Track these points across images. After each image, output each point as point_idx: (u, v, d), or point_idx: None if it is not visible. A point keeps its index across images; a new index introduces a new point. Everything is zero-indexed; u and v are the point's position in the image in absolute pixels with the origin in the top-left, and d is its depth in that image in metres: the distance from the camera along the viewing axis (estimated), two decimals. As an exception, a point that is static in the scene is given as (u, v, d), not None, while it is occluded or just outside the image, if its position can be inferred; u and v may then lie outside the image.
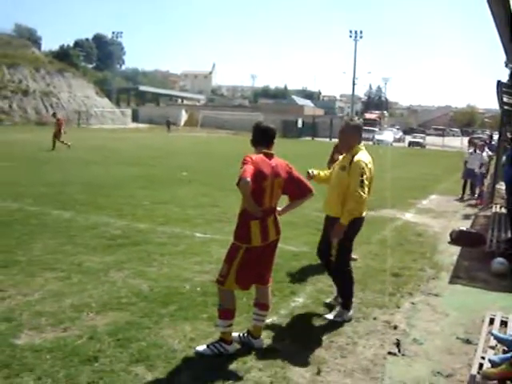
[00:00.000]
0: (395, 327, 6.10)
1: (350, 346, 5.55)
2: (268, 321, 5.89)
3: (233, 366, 4.89)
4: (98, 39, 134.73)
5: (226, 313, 5.19)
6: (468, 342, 5.82)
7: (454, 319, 6.52)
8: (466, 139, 54.13)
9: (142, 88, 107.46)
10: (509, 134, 20.14)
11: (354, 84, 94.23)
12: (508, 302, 7.26)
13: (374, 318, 6.34)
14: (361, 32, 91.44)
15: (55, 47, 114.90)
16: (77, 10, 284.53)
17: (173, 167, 21.48)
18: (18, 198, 12.57)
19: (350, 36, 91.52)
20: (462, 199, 17.93)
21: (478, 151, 18.60)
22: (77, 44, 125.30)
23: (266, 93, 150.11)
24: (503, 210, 14.39)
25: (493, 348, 5.37)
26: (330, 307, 6.51)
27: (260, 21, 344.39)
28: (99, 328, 5.50)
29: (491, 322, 6.20)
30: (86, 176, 17.45)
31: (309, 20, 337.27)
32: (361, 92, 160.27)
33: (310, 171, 6.38)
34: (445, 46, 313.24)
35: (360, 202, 5.82)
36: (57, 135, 27.17)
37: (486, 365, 4.87)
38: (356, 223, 6.05)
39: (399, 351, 5.48)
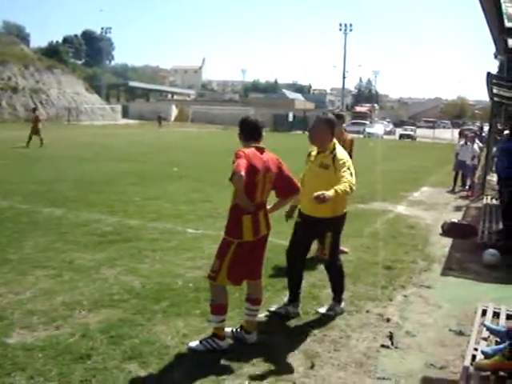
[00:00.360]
0: (388, 320, 6.11)
1: (343, 339, 5.55)
2: (261, 315, 5.89)
3: (226, 362, 4.88)
4: (87, 35, 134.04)
5: (219, 308, 5.18)
6: (461, 333, 5.84)
7: (447, 311, 6.54)
8: (456, 131, 54.37)
9: (132, 84, 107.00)
10: (499, 126, 20.23)
11: (344, 77, 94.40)
12: (500, 293, 7.29)
13: (367, 311, 6.34)
14: (350, 25, 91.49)
15: (44, 44, 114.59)
16: (65, 6, 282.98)
17: (164, 163, 21.43)
18: (8, 196, 12.50)
19: (340, 29, 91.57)
20: (453, 191, 17.97)
21: (468, 143, 18.65)
22: (66, 40, 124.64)
23: (256, 87, 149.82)
24: (494, 202, 14.45)
25: (485, 339, 5.38)
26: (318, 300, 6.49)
27: (250, 15, 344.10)
28: (91, 326, 5.47)
29: (483, 313, 6.21)
30: (76, 173, 17.37)
31: (298, 13, 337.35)
32: (351, 85, 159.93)
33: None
34: (434, 38, 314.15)
35: (351, 188, 5.47)
36: (36, 130, 26.87)
37: (479, 356, 4.88)
38: (343, 219, 6.11)
39: (392, 344, 5.49)
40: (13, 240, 8.64)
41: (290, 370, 4.84)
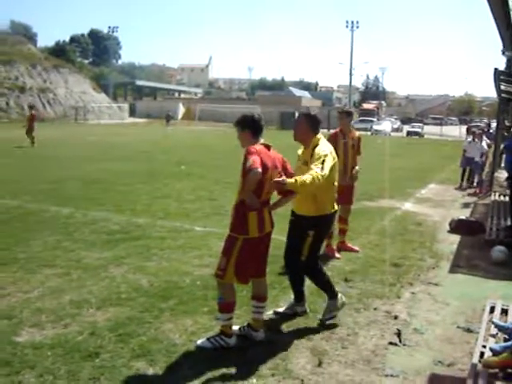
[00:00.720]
0: (396, 317, 6.10)
1: (351, 336, 5.55)
2: (268, 313, 5.90)
3: (234, 360, 4.89)
4: (94, 34, 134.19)
5: (227, 306, 5.20)
6: (469, 330, 5.83)
7: (455, 308, 6.53)
8: (464, 128, 54.25)
9: (139, 82, 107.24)
10: (507, 122, 20.15)
11: (351, 74, 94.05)
12: (508, 290, 7.26)
13: (375, 309, 6.33)
14: (357, 22, 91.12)
15: (51, 43, 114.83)
16: (72, 6, 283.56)
17: (171, 161, 21.44)
18: (16, 195, 12.55)
19: (347, 26, 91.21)
20: (460, 188, 17.92)
21: (476, 140, 18.60)
22: (72, 40, 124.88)
23: (263, 85, 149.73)
24: (502, 198, 14.40)
25: (494, 336, 5.37)
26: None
27: (256, 13, 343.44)
28: (100, 324, 5.50)
29: (492, 310, 6.20)
30: (84, 172, 17.42)
31: (305, 11, 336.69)
32: (358, 82, 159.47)
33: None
34: (442, 35, 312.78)
35: (315, 180, 5.10)
36: (29, 129, 26.68)
37: (487, 353, 4.88)
38: (327, 220, 5.87)
39: (400, 341, 5.48)
40: (21, 239, 8.67)
41: (297, 367, 4.84)
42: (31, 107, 31.10)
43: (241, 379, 4.56)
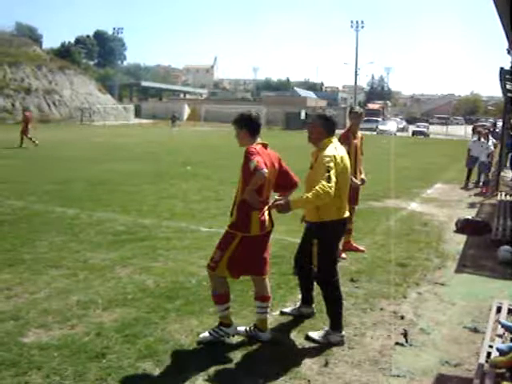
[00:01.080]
0: (402, 317, 6.09)
1: (358, 337, 5.55)
2: (275, 313, 5.91)
3: (240, 360, 4.90)
4: (99, 36, 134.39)
5: (221, 297, 5.28)
6: (475, 330, 5.82)
7: (461, 308, 6.51)
8: (469, 127, 54.13)
9: (145, 83, 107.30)
10: (513, 122, 20.08)
11: (356, 74, 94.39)
12: (515, 290, 7.24)
13: (381, 309, 6.33)
14: (362, 22, 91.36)
15: (56, 45, 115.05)
16: (77, 7, 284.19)
17: (177, 162, 21.46)
18: (22, 197, 12.58)
19: (352, 26, 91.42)
20: (466, 187, 17.89)
21: (482, 139, 18.57)
22: (78, 41, 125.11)
23: (268, 85, 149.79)
24: (508, 198, 14.37)
25: (500, 336, 5.36)
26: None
27: (260, 13, 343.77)
28: (106, 324, 5.51)
29: (498, 310, 6.18)
30: (89, 173, 17.45)
31: (310, 11, 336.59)
32: (363, 82, 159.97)
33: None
34: (447, 34, 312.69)
35: (321, 194, 4.95)
36: (24, 131, 26.51)
37: (494, 353, 4.86)
38: (331, 228, 5.43)
39: (407, 341, 5.48)
40: (27, 240, 8.69)
41: (304, 367, 4.84)
42: (24, 110, 31.05)
43: (247, 380, 4.57)
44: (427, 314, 6.26)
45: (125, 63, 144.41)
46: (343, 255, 8.44)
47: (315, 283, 5.86)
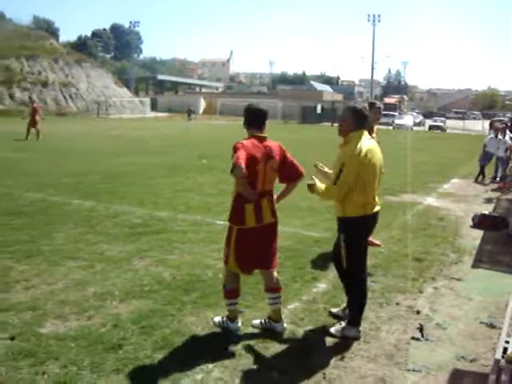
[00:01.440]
0: (418, 312, 6.08)
1: (373, 331, 5.54)
2: (290, 306, 5.93)
3: (256, 353, 4.91)
4: (116, 29, 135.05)
5: (230, 292, 5.38)
6: (492, 326, 5.79)
7: (478, 303, 6.48)
8: (486, 122, 53.72)
9: (161, 77, 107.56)
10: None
11: (372, 68, 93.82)
12: (532, 286, 7.20)
13: (397, 303, 6.31)
14: (379, 16, 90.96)
15: (73, 38, 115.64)
16: (94, 1, 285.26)
17: (192, 155, 21.49)
18: (39, 189, 12.67)
19: (369, 20, 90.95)
20: (476, 181, 17.82)
21: (499, 136, 18.45)
22: (94, 34, 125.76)
23: (284, 79, 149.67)
24: (526, 193, 14.25)
25: (517, 332, 5.33)
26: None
27: (277, 6, 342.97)
28: (123, 316, 5.55)
29: (515, 305, 6.14)
30: (106, 166, 17.55)
31: (326, 4, 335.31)
32: (380, 76, 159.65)
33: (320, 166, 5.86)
34: (464, 28, 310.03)
35: (326, 195, 5.27)
36: (32, 123, 26.57)
37: (511, 349, 4.83)
38: (356, 224, 5.34)
39: (422, 336, 5.46)
40: (45, 232, 8.76)
41: (319, 361, 4.85)
42: (32, 101, 31.15)
43: (263, 373, 4.58)
44: (443, 309, 6.24)
45: (141, 56, 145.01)
46: (378, 242, 8.44)
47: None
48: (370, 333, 5.49)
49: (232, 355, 4.83)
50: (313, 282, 6.82)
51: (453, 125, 64.45)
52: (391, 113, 66.39)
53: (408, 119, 64.75)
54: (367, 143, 5.30)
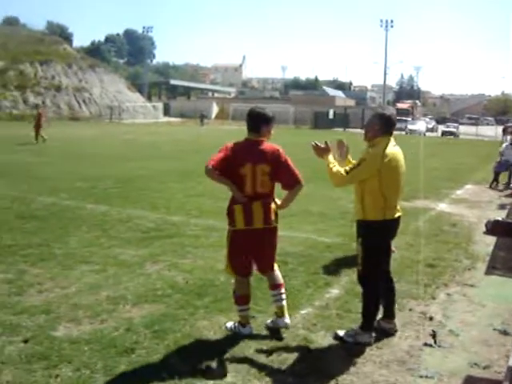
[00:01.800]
0: (431, 318, 6.05)
1: (386, 337, 5.52)
2: (303, 312, 5.93)
3: (268, 358, 4.90)
4: (129, 34, 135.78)
5: (239, 298, 5.43)
6: (505, 333, 5.75)
7: (491, 310, 6.45)
8: (500, 128, 53.41)
9: (173, 82, 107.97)
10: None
11: (385, 74, 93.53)
12: (546, 293, 7.15)
13: (410, 309, 6.29)
14: (391, 21, 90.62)
15: (86, 43, 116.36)
16: (107, 6, 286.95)
17: (205, 160, 21.40)
18: (53, 193, 12.76)
19: (381, 25, 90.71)
20: (491, 187, 17.71)
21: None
22: (108, 39, 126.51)
23: (296, 84, 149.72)
24: (540, 199, 14.16)
25: (531, 339, 5.30)
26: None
27: (289, 12, 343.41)
28: (135, 320, 5.56)
29: (529, 312, 6.11)
30: (119, 170, 17.63)
31: (339, 9, 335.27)
32: (392, 81, 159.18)
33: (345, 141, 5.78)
34: (478, 33, 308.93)
35: (334, 176, 5.28)
36: (38, 127, 27.02)
37: (524, 356, 4.81)
38: (380, 227, 5.32)
39: (435, 342, 5.44)
40: (58, 235, 8.82)
41: (332, 366, 4.84)
42: (37, 106, 31.49)
43: (277, 377, 4.58)
44: (456, 316, 6.21)
45: (154, 62, 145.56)
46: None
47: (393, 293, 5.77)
48: (382, 338, 5.47)
49: (244, 360, 4.83)
50: (325, 287, 6.81)
51: (466, 130, 64.16)
52: (404, 118, 66.19)
53: (421, 125, 64.54)
54: (393, 149, 5.35)
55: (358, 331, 5.40)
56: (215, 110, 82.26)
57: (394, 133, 5.60)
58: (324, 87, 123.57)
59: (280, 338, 5.30)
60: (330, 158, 5.42)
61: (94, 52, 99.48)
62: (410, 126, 61.25)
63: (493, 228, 10.53)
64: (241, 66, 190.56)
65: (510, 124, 46.95)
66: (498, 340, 5.59)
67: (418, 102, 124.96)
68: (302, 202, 12.42)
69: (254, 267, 5.45)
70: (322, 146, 5.51)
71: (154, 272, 7.19)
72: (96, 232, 9.16)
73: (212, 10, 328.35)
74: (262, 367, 4.72)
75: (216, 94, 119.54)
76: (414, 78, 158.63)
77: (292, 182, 5.35)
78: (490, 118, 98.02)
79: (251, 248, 5.30)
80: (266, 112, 5.37)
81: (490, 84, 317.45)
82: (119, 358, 4.75)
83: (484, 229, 10.71)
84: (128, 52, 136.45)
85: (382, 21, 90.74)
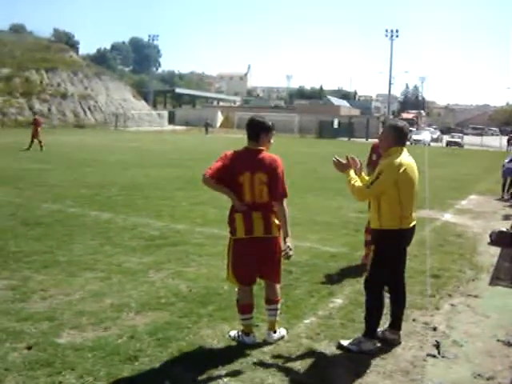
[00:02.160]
0: (435, 329, 6.04)
1: (389, 347, 5.50)
2: (306, 321, 5.92)
3: (272, 367, 4.89)
4: (135, 42, 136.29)
5: (242, 307, 5.44)
6: (509, 344, 5.73)
7: (495, 321, 6.43)
8: (505, 138, 53.37)
9: (178, 90, 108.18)
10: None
11: (390, 83, 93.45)
12: (550, 304, 7.13)
13: (414, 320, 6.28)
14: (397, 31, 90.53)
15: (92, 51, 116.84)
16: (113, 14, 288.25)
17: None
18: (57, 200, 12.79)
19: (386, 35, 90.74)
20: (502, 199, 17.63)
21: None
22: (113, 47, 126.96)
23: (301, 93, 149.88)
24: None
25: (535, 350, 5.28)
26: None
27: (294, 21, 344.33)
28: (139, 328, 5.57)
29: (533, 324, 6.09)
30: (124, 178, 17.67)
31: (344, 19, 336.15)
32: (397, 91, 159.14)
33: (350, 157, 5.68)
34: (482, 44, 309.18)
35: (355, 191, 5.36)
36: (35, 135, 27.24)
37: (529, 367, 4.80)
38: (394, 236, 5.38)
39: (439, 353, 5.42)
40: (63, 242, 8.84)
41: (335, 376, 4.83)
42: (35, 113, 31.69)
43: (278, 386, 4.58)
44: (460, 326, 6.19)
45: (159, 70, 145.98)
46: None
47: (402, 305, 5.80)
48: (386, 349, 5.46)
49: (248, 368, 4.82)
50: (329, 297, 6.80)
51: (470, 141, 64.17)
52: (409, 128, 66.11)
53: (425, 135, 64.56)
54: (407, 159, 5.45)
55: (361, 339, 5.41)
56: (220, 118, 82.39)
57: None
58: (329, 96, 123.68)
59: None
60: (352, 173, 5.50)
61: (100, 60, 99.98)
62: (414, 136, 61.20)
63: (497, 239, 10.60)
64: (246, 74, 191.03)
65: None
66: (501, 351, 5.57)
67: (422, 112, 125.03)
68: (306, 212, 12.46)
69: (257, 276, 5.45)
70: (344, 161, 5.58)
71: (158, 280, 7.19)
72: (100, 239, 9.17)
73: (217, 20, 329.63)
74: (264, 376, 4.71)
75: (221, 103, 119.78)
76: (418, 88, 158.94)
77: (275, 195, 5.25)
78: (494, 129, 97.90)
79: (252, 257, 5.29)
80: (265, 121, 5.39)
81: (495, 94, 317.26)
82: (122, 365, 4.75)
83: (488, 239, 10.71)
84: (134, 60, 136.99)
85: (387, 31, 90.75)
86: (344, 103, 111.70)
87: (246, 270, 5.32)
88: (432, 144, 60.88)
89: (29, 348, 4.99)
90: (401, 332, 5.71)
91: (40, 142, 26.88)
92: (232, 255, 5.34)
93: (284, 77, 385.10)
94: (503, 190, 18.06)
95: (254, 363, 4.94)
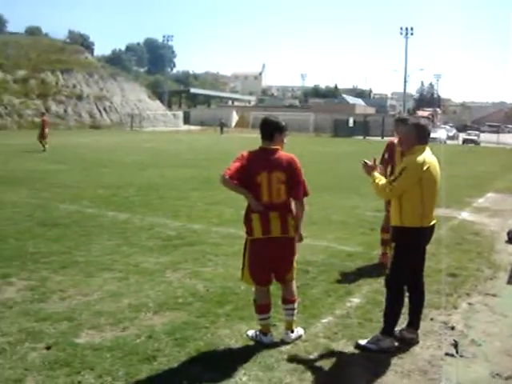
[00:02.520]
0: (453, 328, 6.01)
1: (407, 346, 5.49)
2: (324, 321, 5.92)
3: (290, 367, 4.89)
4: (149, 43, 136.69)
5: (259, 308, 5.44)
6: (528, 343, 5.70)
7: (514, 320, 6.39)
8: (522, 136, 52.82)
9: (193, 90, 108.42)
10: None
11: (405, 81, 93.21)
12: None
13: (431, 319, 6.25)
14: (411, 29, 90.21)
15: (107, 52, 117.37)
16: (128, 15, 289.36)
17: (225, 168, 21.52)
18: (75, 200, 12.87)
19: (401, 33, 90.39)
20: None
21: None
22: (128, 48, 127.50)
23: (316, 92, 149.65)
24: None
25: (555, 349, 5.25)
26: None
27: (309, 20, 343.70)
28: (157, 327, 5.59)
29: (552, 322, 6.05)
30: (140, 178, 17.74)
31: (358, 18, 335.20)
32: (413, 89, 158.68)
33: (369, 162, 5.73)
34: (497, 41, 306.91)
35: (379, 189, 5.42)
36: (42, 135, 27.29)
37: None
38: (410, 235, 5.38)
39: (457, 352, 5.40)
40: (80, 243, 8.90)
41: (353, 375, 4.83)
42: (42, 114, 31.78)
43: (297, 386, 4.58)
44: (478, 326, 6.16)
45: (174, 70, 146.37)
46: None
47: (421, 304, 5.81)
48: (403, 348, 5.45)
49: (265, 368, 4.83)
50: (346, 296, 6.79)
51: (487, 138, 63.65)
52: (424, 126, 65.71)
53: (441, 132, 64.08)
54: (430, 157, 5.49)
55: (379, 337, 5.41)
56: (235, 118, 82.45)
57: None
58: (344, 95, 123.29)
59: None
60: (376, 174, 5.58)
61: (115, 61, 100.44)
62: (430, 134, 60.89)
63: (515, 237, 10.49)
64: (260, 74, 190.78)
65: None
66: (520, 350, 5.54)
67: (438, 109, 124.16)
68: (322, 211, 12.44)
69: (273, 276, 5.46)
70: (370, 163, 5.66)
71: (175, 280, 7.22)
72: (118, 240, 9.23)
73: (232, 19, 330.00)
74: (283, 376, 4.71)
75: (236, 103, 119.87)
76: (434, 85, 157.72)
77: (295, 195, 5.34)
78: (511, 126, 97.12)
79: (269, 257, 5.30)
80: (279, 120, 5.43)
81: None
82: (141, 365, 4.78)
83: (506, 238, 10.64)
84: (148, 61, 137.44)
85: (401, 28, 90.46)
86: (359, 101, 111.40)
87: (264, 270, 5.33)
88: (448, 142, 60.48)
89: (48, 348, 5.04)
90: (419, 331, 5.70)
91: (45, 143, 26.98)
92: (249, 256, 5.33)
93: (299, 76, 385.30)
94: None
95: (272, 363, 4.94)
